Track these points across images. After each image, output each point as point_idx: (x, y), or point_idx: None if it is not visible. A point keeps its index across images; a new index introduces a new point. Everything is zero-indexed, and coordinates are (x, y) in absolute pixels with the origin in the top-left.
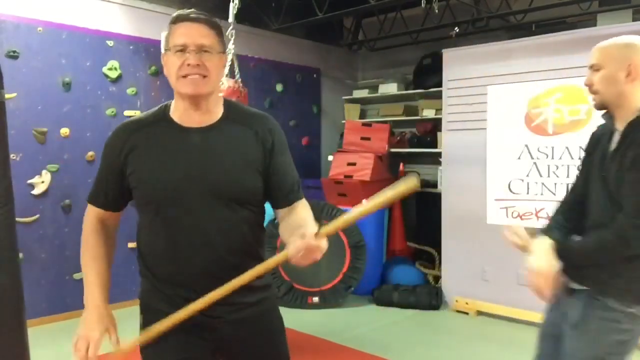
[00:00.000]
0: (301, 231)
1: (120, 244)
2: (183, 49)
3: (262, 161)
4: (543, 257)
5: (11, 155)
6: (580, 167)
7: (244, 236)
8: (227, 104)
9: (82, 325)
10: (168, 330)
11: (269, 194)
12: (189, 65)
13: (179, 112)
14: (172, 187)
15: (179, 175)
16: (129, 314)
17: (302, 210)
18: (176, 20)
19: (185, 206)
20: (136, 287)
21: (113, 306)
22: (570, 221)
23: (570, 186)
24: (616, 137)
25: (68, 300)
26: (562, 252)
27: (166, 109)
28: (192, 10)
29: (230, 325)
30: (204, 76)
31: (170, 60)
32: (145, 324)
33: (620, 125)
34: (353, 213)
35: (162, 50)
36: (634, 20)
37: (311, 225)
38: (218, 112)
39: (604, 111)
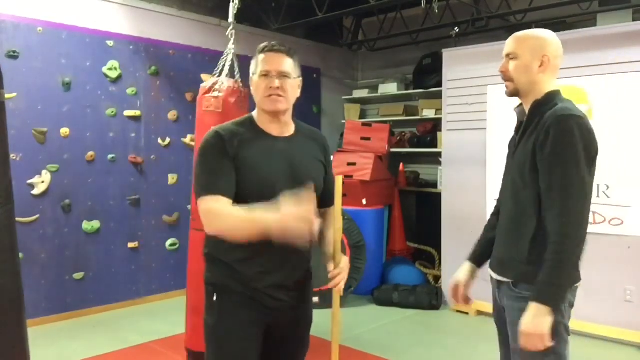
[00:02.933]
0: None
1: (121, 244)
2: (267, 74)
3: (325, 169)
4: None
5: (11, 155)
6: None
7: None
8: (293, 120)
9: (279, 231)
10: (238, 303)
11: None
12: (271, 87)
13: (263, 123)
14: (271, 183)
15: (275, 173)
16: (131, 313)
17: (332, 221)
18: (262, 50)
19: (279, 199)
20: (136, 286)
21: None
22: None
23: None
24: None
25: (68, 300)
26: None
27: (252, 120)
28: (276, 42)
29: (288, 308)
30: (282, 96)
31: (257, 84)
32: (220, 303)
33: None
34: (336, 237)
35: (251, 75)
36: (634, 20)
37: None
38: (292, 125)
39: (517, 105)
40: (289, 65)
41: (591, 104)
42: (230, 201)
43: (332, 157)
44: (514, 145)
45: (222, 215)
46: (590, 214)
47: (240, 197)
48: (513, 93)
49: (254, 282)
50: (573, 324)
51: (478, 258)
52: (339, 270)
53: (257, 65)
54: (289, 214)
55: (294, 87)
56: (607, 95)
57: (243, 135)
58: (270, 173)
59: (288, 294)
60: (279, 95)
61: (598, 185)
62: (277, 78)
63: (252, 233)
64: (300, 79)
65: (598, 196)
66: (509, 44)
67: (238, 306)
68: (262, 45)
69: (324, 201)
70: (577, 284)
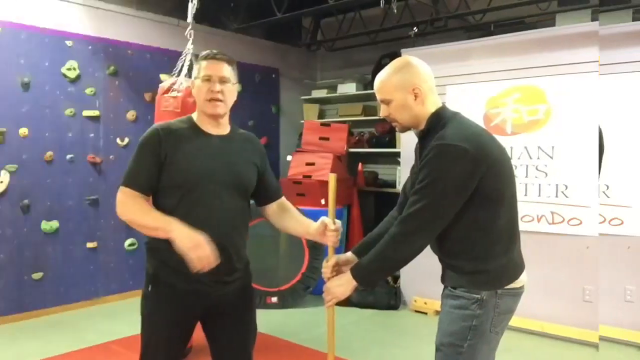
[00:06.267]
0: (321, 225)
1: (80, 244)
2: (209, 79)
3: (259, 166)
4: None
5: None
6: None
7: (242, 218)
8: (230, 124)
9: (185, 237)
10: (168, 297)
11: (259, 192)
12: (212, 91)
13: (202, 123)
14: (201, 175)
15: (206, 167)
16: (89, 313)
17: (293, 207)
18: (206, 57)
19: (208, 190)
20: (95, 286)
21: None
22: None
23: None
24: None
25: (26, 300)
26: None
27: (191, 119)
28: (217, 51)
29: (218, 296)
30: (222, 100)
31: (199, 87)
32: (152, 294)
33: None
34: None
35: (193, 78)
36: (592, 20)
37: (312, 222)
38: (228, 126)
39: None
40: (228, 71)
41: (550, 104)
42: (144, 196)
43: (267, 161)
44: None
45: (130, 208)
46: (549, 214)
47: (173, 188)
48: (404, 129)
49: (185, 269)
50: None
51: None
52: (338, 225)
53: (199, 71)
54: (191, 240)
55: (232, 92)
56: (565, 95)
57: (181, 132)
58: (203, 166)
59: (222, 278)
60: (219, 100)
61: (557, 185)
62: (218, 82)
63: (155, 233)
64: (237, 85)
65: (557, 196)
66: (377, 90)
67: (168, 299)
68: (205, 53)
69: (270, 196)
70: (508, 286)
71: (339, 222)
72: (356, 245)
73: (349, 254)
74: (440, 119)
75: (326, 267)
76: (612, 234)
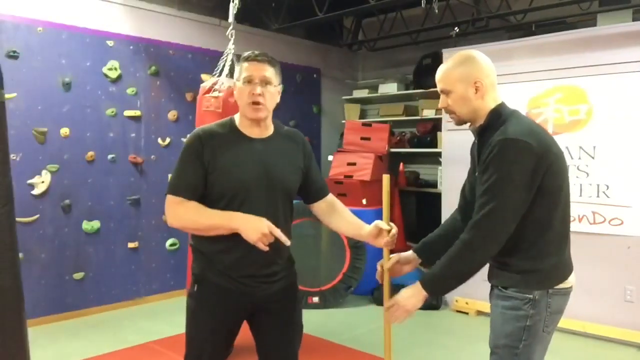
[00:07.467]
0: (375, 229)
1: (121, 244)
2: (250, 81)
3: (303, 165)
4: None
5: (11, 155)
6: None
7: (286, 221)
8: (273, 122)
9: (247, 223)
10: (213, 296)
11: (305, 190)
12: (253, 94)
13: (244, 126)
14: (242, 182)
15: (249, 173)
16: (131, 313)
17: (343, 206)
18: (246, 59)
19: (252, 197)
20: (136, 286)
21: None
22: None
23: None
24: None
25: (68, 300)
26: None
27: (232, 122)
28: (259, 52)
29: (263, 295)
30: (263, 104)
31: (241, 89)
32: (198, 293)
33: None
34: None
35: (235, 81)
36: (634, 20)
37: (365, 224)
38: (271, 127)
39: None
40: (270, 72)
41: (591, 104)
42: (191, 202)
43: (312, 158)
44: (472, 166)
45: (182, 214)
46: (590, 214)
47: (216, 196)
48: (461, 122)
49: (230, 271)
50: (573, 324)
51: None
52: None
53: (241, 73)
54: (253, 223)
55: (273, 95)
56: (607, 95)
57: (223, 137)
58: (245, 174)
59: (266, 280)
60: (260, 104)
61: (598, 185)
62: (259, 85)
63: (216, 231)
64: (281, 86)
65: (598, 196)
66: (438, 79)
67: (213, 298)
68: (247, 54)
69: (316, 194)
70: (559, 286)
71: (394, 226)
72: (417, 245)
73: (410, 252)
74: (500, 116)
75: (382, 269)
76: (612, 234)
